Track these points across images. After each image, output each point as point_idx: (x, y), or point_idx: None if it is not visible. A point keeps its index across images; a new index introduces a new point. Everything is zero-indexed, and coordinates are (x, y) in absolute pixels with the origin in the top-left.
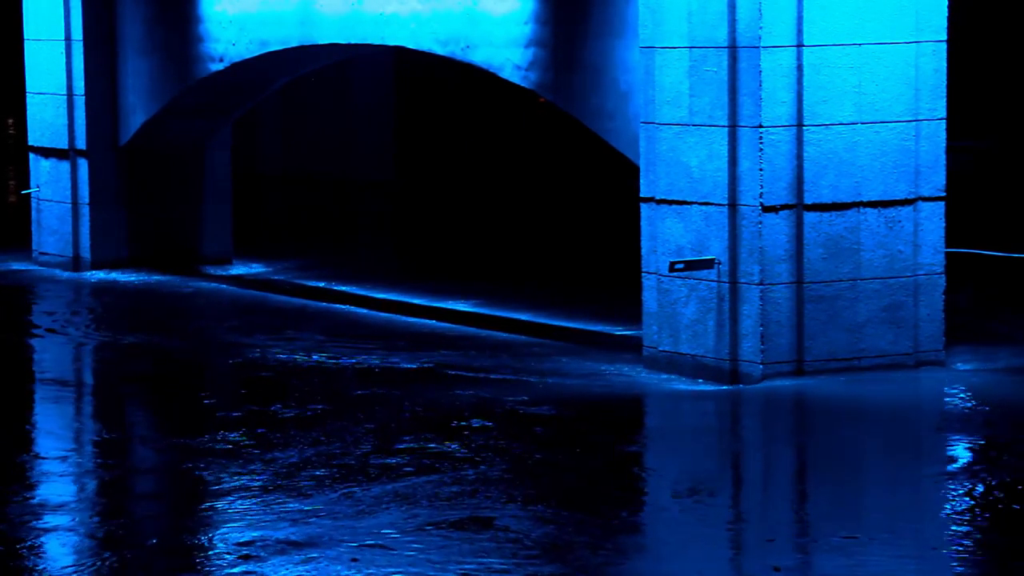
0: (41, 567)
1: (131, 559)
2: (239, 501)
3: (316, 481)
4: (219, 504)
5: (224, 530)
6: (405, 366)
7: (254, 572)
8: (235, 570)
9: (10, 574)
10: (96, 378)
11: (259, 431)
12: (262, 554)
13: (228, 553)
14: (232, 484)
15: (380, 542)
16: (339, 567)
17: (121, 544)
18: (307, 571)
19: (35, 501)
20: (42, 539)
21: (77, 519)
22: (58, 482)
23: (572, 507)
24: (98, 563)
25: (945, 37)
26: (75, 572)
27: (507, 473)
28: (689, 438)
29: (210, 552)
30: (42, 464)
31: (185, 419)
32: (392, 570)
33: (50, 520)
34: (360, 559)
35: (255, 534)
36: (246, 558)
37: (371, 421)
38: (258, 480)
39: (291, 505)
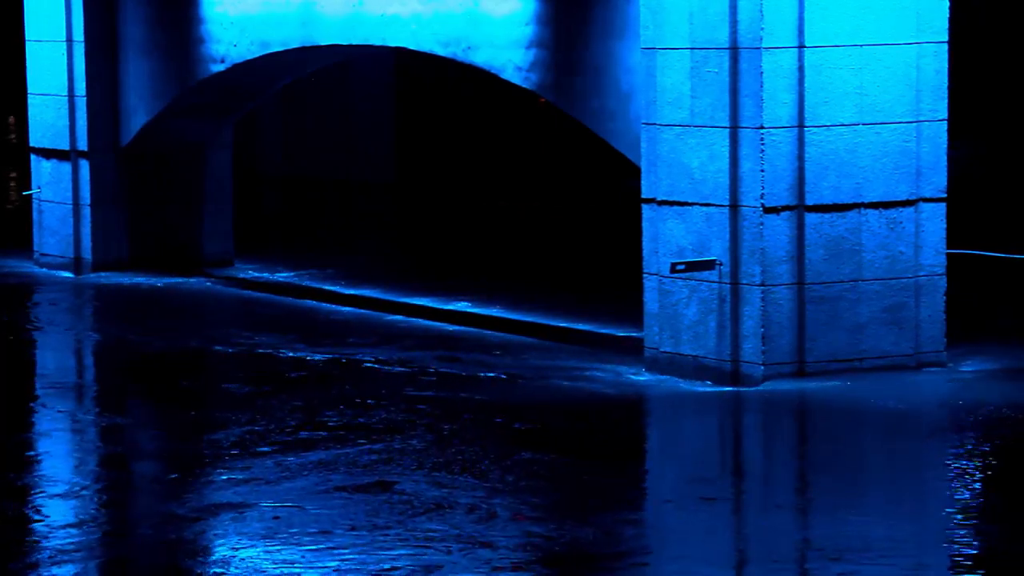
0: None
1: (105, 524)
2: (190, 472)
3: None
4: (172, 474)
5: (177, 496)
6: (404, 365)
7: (190, 531)
8: (182, 524)
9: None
10: (89, 373)
11: (215, 412)
12: (206, 516)
13: (178, 516)
14: (187, 456)
15: (296, 503)
16: (259, 525)
17: (101, 510)
18: (236, 527)
19: (33, 474)
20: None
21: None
22: (51, 459)
23: (475, 476)
24: (70, 525)
25: (946, 38)
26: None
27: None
28: (689, 438)
29: (166, 515)
30: (39, 443)
31: (157, 406)
32: (302, 526)
33: (49, 489)
34: (281, 516)
35: (203, 498)
36: (195, 520)
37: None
38: (213, 451)
39: (235, 475)
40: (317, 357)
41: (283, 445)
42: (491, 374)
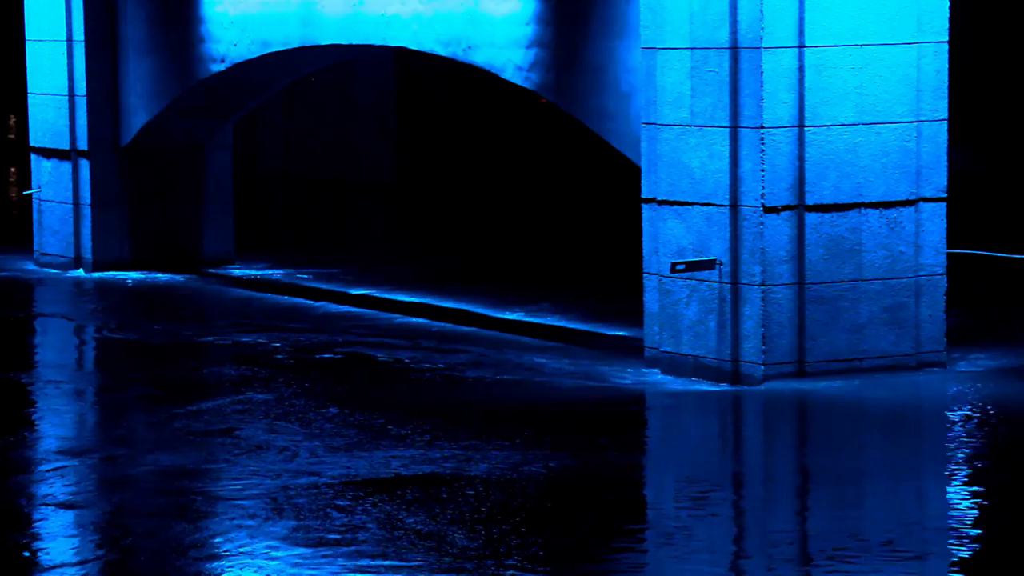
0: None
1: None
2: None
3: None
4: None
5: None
6: (386, 351)
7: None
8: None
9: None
10: (81, 360)
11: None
12: (120, 452)
13: (95, 449)
14: (100, 413)
15: (169, 445)
16: (138, 464)
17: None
18: (123, 466)
19: (35, 433)
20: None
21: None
22: (46, 425)
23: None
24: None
25: (947, 38)
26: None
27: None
28: (689, 438)
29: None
30: (37, 414)
31: (115, 382)
32: (156, 457)
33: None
34: (161, 454)
35: (117, 443)
36: (112, 458)
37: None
38: (124, 407)
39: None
40: (304, 342)
41: (175, 403)
42: (486, 374)
